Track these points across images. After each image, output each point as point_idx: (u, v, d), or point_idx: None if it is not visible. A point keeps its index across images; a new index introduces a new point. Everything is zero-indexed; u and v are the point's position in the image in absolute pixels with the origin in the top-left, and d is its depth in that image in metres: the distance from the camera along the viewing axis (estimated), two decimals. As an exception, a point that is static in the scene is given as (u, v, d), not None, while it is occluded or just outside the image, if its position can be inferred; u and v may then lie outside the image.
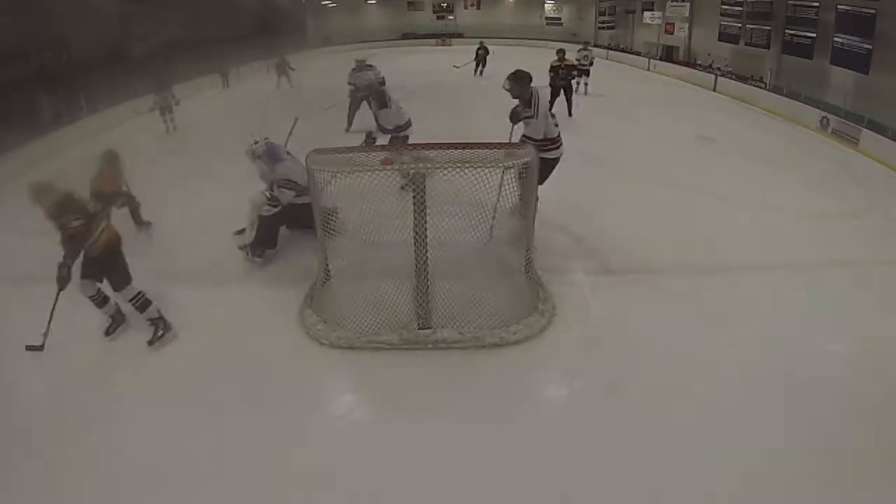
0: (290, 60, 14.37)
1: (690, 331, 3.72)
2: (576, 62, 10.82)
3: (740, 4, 13.70)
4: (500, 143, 4.83)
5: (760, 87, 12.37)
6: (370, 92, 7.15)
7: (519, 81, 4.41)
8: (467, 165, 3.39)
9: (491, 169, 3.49)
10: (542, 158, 4.04)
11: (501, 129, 4.70)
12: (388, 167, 3.60)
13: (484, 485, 2.62)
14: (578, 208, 5.54)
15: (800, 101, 10.55)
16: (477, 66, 14.90)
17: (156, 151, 8.40)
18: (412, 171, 3.38)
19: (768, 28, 12.61)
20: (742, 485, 2.60)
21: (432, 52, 21.26)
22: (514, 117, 4.59)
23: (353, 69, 8.71)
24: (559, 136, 4.59)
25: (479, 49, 15.13)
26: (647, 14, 18.30)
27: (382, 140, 5.91)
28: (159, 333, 3.67)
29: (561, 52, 9.96)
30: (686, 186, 6.32)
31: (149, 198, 5.46)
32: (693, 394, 3.15)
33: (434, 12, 26.29)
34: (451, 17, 26.29)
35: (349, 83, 8.66)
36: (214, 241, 5.06)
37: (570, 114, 9.49)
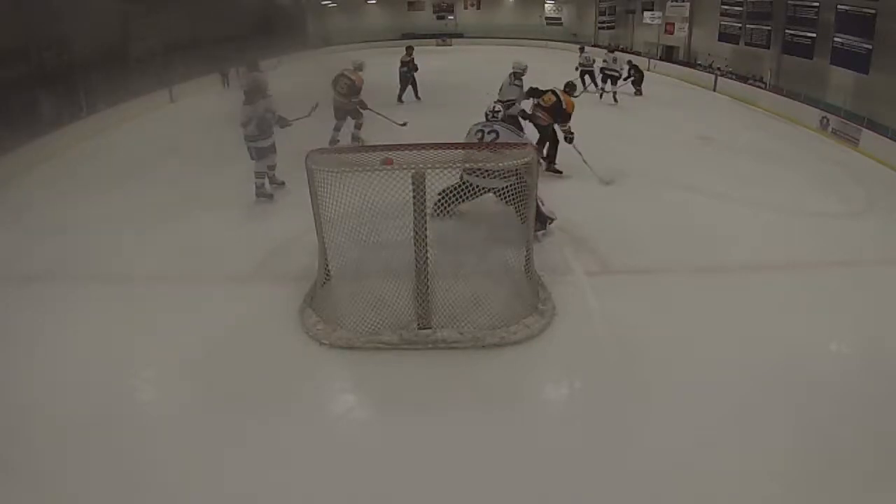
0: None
1: (690, 331, 3.72)
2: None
3: (740, 4, 13.69)
4: (499, 144, 4.87)
5: (760, 87, 12.36)
6: None
7: None
8: (467, 165, 3.40)
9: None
10: None
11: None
12: (388, 167, 3.60)
13: (484, 484, 2.62)
14: (578, 208, 5.54)
15: (800, 101, 10.54)
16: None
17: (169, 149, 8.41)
18: (412, 170, 3.38)
19: (768, 28, 12.60)
20: (742, 485, 2.60)
21: (433, 53, 21.26)
22: None
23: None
24: None
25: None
26: (647, 14, 18.28)
27: None
28: None
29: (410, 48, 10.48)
30: (686, 186, 6.32)
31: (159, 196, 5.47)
32: (693, 394, 3.15)
33: (434, 12, 26.30)
34: (451, 17, 26.30)
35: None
36: (213, 240, 5.07)
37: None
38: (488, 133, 4.82)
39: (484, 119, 5.13)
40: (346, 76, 7.55)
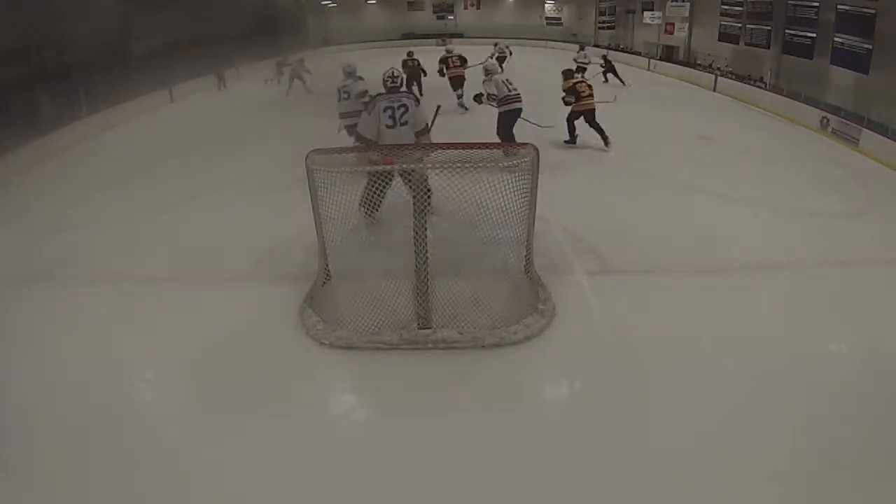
0: (304, 61, 13.67)
1: (691, 331, 3.71)
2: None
3: (740, 4, 13.69)
4: (499, 143, 4.87)
5: (760, 87, 12.36)
6: None
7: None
8: (467, 165, 3.39)
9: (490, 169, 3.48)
10: None
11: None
12: (388, 167, 3.60)
13: (484, 484, 2.62)
14: (578, 208, 5.54)
15: (800, 101, 10.53)
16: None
17: (172, 145, 8.41)
18: (412, 170, 3.38)
19: (768, 28, 12.60)
20: (742, 485, 2.60)
21: (433, 53, 21.26)
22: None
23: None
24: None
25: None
26: (647, 14, 18.28)
27: None
28: None
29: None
30: (686, 186, 6.32)
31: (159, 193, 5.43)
32: (693, 394, 3.15)
33: (434, 12, 26.32)
34: (452, 17, 26.31)
35: None
36: (213, 240, 5.06)
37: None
38: (399, 108, 4.56)
39: (384, 89, 4.80)
40: (455, 53, 10.56)
